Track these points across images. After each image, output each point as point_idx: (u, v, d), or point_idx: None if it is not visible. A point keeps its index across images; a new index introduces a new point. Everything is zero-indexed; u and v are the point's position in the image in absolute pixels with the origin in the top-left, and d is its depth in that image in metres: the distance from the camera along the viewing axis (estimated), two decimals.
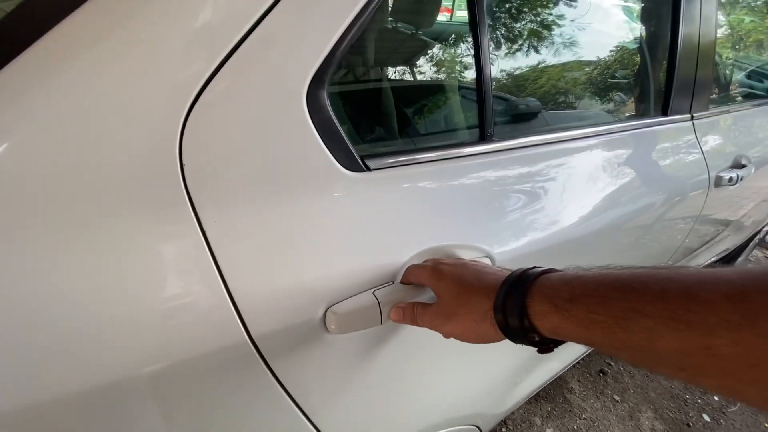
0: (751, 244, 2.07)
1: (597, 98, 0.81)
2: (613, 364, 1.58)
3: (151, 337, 0.32)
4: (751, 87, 1.45)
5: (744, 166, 0.98)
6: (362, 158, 0.43)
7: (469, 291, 0.36)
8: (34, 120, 0.29)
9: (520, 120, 0.66)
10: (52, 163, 0.29)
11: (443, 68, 0.69)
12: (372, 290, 0.42)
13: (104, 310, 0.30)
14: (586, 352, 1.19)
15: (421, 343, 0.51)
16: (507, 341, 0.35)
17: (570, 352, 1.02)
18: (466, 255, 0.48)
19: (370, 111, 0.56)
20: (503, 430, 1.31)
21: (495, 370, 0.72)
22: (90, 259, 0.30)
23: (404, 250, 0.44)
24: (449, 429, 0.66)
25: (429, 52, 0.67)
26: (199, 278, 0.33)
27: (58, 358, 0.29)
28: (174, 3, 0.32)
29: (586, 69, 0.78)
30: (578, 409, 1.40)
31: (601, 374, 1.54)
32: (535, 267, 0.35)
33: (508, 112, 0.64)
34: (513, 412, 1.36)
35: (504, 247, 0.53)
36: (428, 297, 0.43)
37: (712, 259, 1.59)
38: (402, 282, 0.43)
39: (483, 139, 0.54)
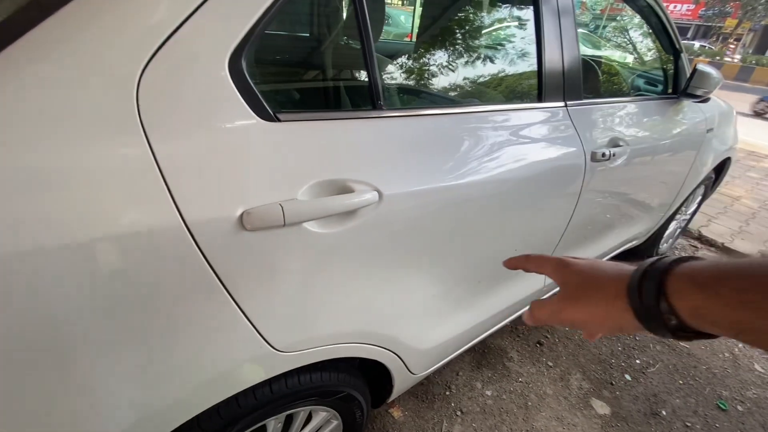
0: (673, 232, 2.33)
1: (484, 82, 1.02)
2: (549, 336, 1.76)
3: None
4: (638, 86, 1.75)
5: (619, 146, 1.21)
6: (274, 112, 0.61)
7: (601, 273, 0.35)
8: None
9: (411, 94, 0.85)
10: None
11: (341, 49, 0.89)
12: (278, 202, 0.58)
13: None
14: (512, 317, 1.37)
15: (331, 249, 0.67)
16: None
17: (491, 306, 1.19)
18: (356, 187, 0.66)
19: (283, 76, 0.75)
20: (447, 393, 1.45)
21: (412, 296, 0.88)
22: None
23: (301, 178, 0.61)
24: (365, 343, 0.81)
25: (333, 41, 0.87)
26: (149, 182, 0.50)
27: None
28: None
29: (471, 58, 1.00)
30: (515, 374, 1.56)
31: (538, 345, 1.71)
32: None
33: (405, 89, 0.84)
34: (456, 376, 1.51)
35: (393, 187, 0.71)
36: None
37: (626, 245, 1.81)
38: (508, 266, 0.45)
39: (374, 106, 0.73)
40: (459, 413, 1.39)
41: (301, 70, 0.77)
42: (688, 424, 1.43)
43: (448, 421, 1.36)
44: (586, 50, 1.63)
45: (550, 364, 1.62)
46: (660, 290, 0.30)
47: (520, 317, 1.44)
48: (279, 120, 0.61)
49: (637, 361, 1.68)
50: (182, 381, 0.60)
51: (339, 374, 0.86)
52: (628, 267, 0.34)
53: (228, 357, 0.63)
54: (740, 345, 1.82)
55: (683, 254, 0.33)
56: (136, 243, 0.50)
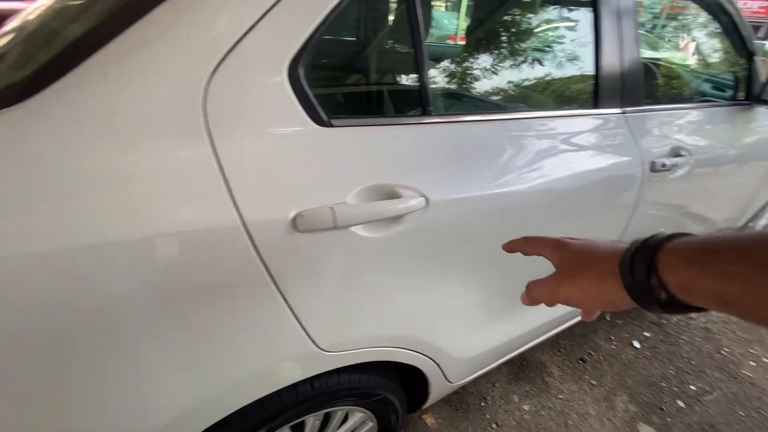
0: None
1: (535, 87, 0.99)
2: (593, 353, 1.68)
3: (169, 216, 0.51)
4: (703, 91, 1.63)
5: (681, 155, 1.13)
6: (327, 117, 0.62)
7: (594, 252, 0.36)
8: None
9: (459, 99, 0.85)
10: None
11: (393, 60, 0.89)
12: (329, 205, 0.60)
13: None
14: (557, 330, 1.31)
15: (377, 253, 0.67)
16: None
17: (532, 319, 1.15)
18: (403, 192, 0.66)
19: (336, 82, 0.76)
20: (481, 404, 1.42)
21: (454, 303, 0.87)
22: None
23: (352, 183, 0.62)
24: (405, 348, 0.81)
25: (385, 47, 0.87)
26: (210, 183, 0.53)
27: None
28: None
29: (528, 64, 0.98)
30: (555, 390, 1.50)
31: (580, 361, 1.63)
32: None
33: (453, 94, 0.83)
34: (492, 388, 1.48)
35: (439, 194, 0.70)
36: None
37: None
38: (507, 249, 0.47)
39: (424, 112, 0.73)
40: (494, 425, 1.35)
41: (352, 76, 0.79)
42: None
43: None
44: (645, 52, 1.53)
45: (594, 382, 1.55)
46: (651, 266, 0.30)
47: (563, 331, 1.39)
48: (332, 125, 0.63)
49: (692, 387, 1.56)
50: (232, 373, 0.63)
51: (377, 377, 0.86)
52: (622, 245, 0.34)
53: (275, 353, 0.65)
54: None
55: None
56: (198, 240, 0.53)
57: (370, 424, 0.98)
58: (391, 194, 0.66)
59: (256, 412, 0.71)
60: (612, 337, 1.77)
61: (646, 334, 1.81)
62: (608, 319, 1.87)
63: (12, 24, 0.89)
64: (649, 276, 0.30)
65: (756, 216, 1.91)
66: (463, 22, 1.79)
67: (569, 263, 0.38)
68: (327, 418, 0.89)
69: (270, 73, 0.57)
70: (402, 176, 0.67)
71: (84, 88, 0.49)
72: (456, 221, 0.75)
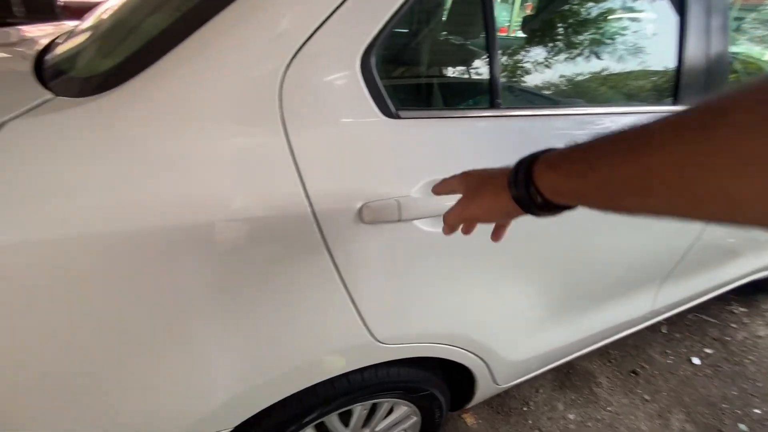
0: None
1: (609, 80, 0.93)
2: (646, 366, 1.58)
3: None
4: None
5: None
6: (395, 109, 0.62)
7: (490, 174, 0.44)
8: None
9: (527, 92, 0.81)
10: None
11: (461, 52, 0.87)
12: (395, 198, 0.59)
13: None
14: (608, 340, 1.25)
15: (438, 249, 0.66)
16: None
17: (586, 327, 1.10)
18: None
19: (405, 74, 0.75)
20: (524, 409, 1.38)
21: (510, 305, 0.84)
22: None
23: (417, 175, 0.61)
24: (457, 346, 0.79)
25: (453, 39, 0.85)
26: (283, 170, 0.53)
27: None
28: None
29: (607, 60, 0.92)
30: (604, 401, 1.43)
31: (632, 374, 1.55)
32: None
33: (521, 87, 0.80)
34: (536, 393, 1.43)
35: None
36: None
37: (756, 274, 1.55)
38: (435, 193, 0.52)
39: (492, 105, 0.70)
40: (537, 431, 1.32)
41: (421, 68, 0.77)
42: None
43: None
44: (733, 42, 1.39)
45: (647, 397, 1.46)
46: (528, 176, 0.37)
47: (614, 342, 1.31)
48: (400, 117, 0.62)
49: (757, 411, 1.44)
50: (291, 358, 0.64)
51: (426, 372, 0.86)
52: (511, 166, 0.41)
53: (334, 341, 0.66)
54: None
55: None
56: (268, 226, 0.54)
57: (414, 419, 0.98)
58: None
59: (309, 397, 0.72)
60: (668, 351, 1.66)
61: (708, 350, 1.68)
62: (664, 331, 1.76)
63: (96, 15, 0.95)
64: (527, 184, 0.37)
65: None
66: (522, 13, 1.72)
67: (471, 187, 0.46)
68: (374, 409, 0.90)
69: (343, 65, 0.57)
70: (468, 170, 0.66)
71: (169, 77, 0.51)
72: (520, 221, 0.72)
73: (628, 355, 1.63)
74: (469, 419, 1.34)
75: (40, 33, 1.05)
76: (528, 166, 0.38)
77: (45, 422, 0.53)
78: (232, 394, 0.62)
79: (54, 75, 0.65)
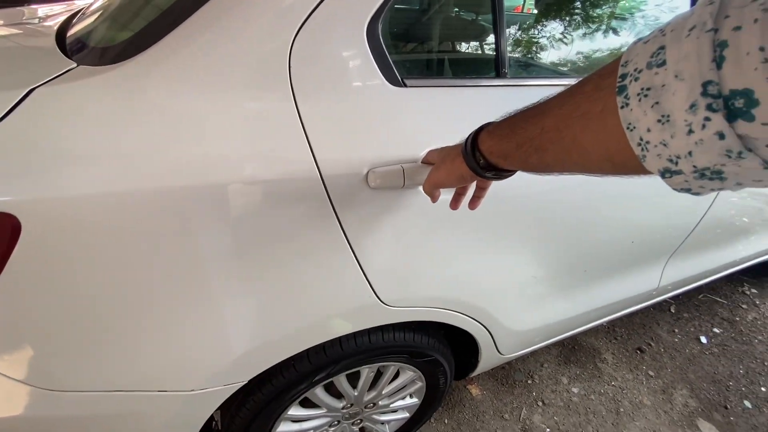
0: None
1: (611, 52, 0.93)
2: (652, 344, 1.60)
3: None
4: None
5: None
6: (401, 77, 0.63)
7: (451, 147, 0.54)
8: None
9: (534, 64, 0.81)
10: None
11: (469, 20, 0.87)
12: (400, 165, 0.61)
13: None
14: (613, 316, 1.26)
15: (443, 216, 0.68)
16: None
17: (591, 301, 1.11)
18: None
19: (412, 43, 0.76)
20: (528, 382, 1.42)
21: (515, 274, 0.86)
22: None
23: (422, 143, 0.63)
24: (460, 312, 0.82)
25: (460, 9, 0.85)
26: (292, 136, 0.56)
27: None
28: None
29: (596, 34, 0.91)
30: (608, 377, 1.46)
31: (638, 351, 1.56)
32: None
33: (526, 57, 0.80)
34: (540, 367, 1.46)
35: None
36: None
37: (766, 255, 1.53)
38: (422, 162, 0.62)
39: (498, 75, 0.71)
40: (540, 403, 1.35)
41: (428, 37, 0.78)
42: None
43: (528, 409, 1.33)
44: None
45: (651, 373, 1.48)
46: (474, 142, 0.47)
47: (621, 319, 1.33)
48: (406, 85, 0.63)
49: (763, 389, 1.45)
50: (299, 317, 0.68)
51: (431, 338, 0.89)
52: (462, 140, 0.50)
53: (340, 301, 0.69)
54: None
55: None
56: (278, 188, 0.57)
57: (419, 384, 1.02)
58: None
59: (318, 356, 0.77)
60: (675, 330, 1.67)
61: (716, 330, 1.69)
62: (673, 311, 1.76)
63: None
64: (474, 149, 0.46)
65: None
66: None
67: (437, 158, 0.56)
68: (380, 372, 0.94)
69: (349, 34, 0.59)
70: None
71: (184, 45, 0.53)
72: (526, 190, 0.74)
73: (634, 332, 1.64)
74: (474, 390, 1.38)
75: (56, 11, 1.08)
76: (475, 134, 0.47)
77: (76, 366, 0.58)
78: (247, 348, 0.66)
79: (76, 47, 0.68)
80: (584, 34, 0.94)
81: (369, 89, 0.61)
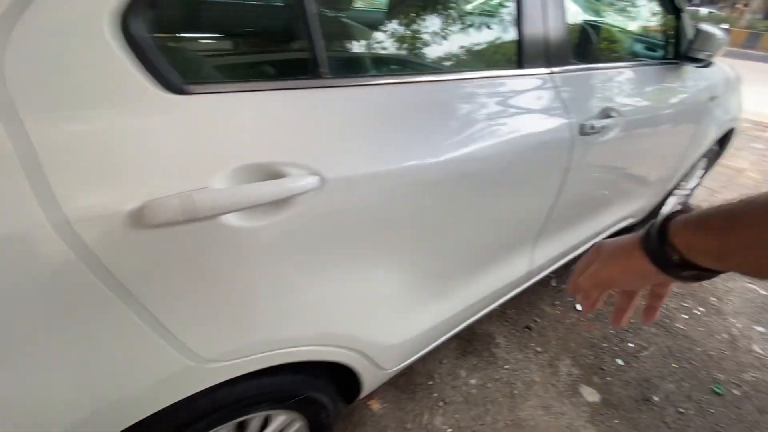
0: (673, 209, 2.23)
1: (450, 44, 0.91)
2: (538, 320, 1.69)
3: None
4: (635, 51, 1.61)
5: (611, 117, 1.09)
6: (180, 82, 0.50)
7: (622, 239, 0.44)
8: None
9: (365, 61, 0.74)
10: None
11: (275, 6, 0.76)
12: (187, 191, 0.49)
13: None
14: (499, 302, 1.28)
15: (262, 245, 0.57)
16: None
17: (470, 295, 1.11)
18: (289, 171, 0.56)
19: (194, 39, 0.63)
20: (429, 383, 1.39)
21: (373, 292, 0.79)
22: None
23: (219, 162, 0.51)
24: (318, 345, 0.73)
25: None
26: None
27: None
28: None
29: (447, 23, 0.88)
30: (502, 360, 1.50)
31: (527, 329, 1.64)
32: None
33: (356, 55, 0.73)
34: (440, 365, 1.45)
35: (337, 170, 0.61)
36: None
37: (621, 223, 1.71)
38: (572, 292, 0.50)
39: (313, 76, 0.62)
40: (441, 404, 1.33)
41: (218, 30, 0.65)
42: (681, 410, 1.37)
43: (429, 413, 1.30)
44: (575, 11, 1.46)
45: (539, 349, 1.56)
46: (663, 233, 0.38)
47: (510, 301, 1.36)
48: (188, 92, 0.51)
49: (630, 345, 1.61)
50: (94, 400, 0.52)
51: (295, 376, 0.78)
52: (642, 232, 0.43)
53: (149, 369, 0.54)
54: (739, 325, 1.75)
55: None
56: (13, 246, 0.40)
57: (298, 424, 0.91)
58: (274, 174, 0.56)
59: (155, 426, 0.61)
60: (557, 302, 1.79)
61: None
62: (554, 284, 1.89)
63: None
64: (661, 240, 0.38)
65: (687, 175, 1.97)
66: None
67: (605, 253, 0.46)
68: (243, 426, 0.81)
69: (90, 31, 0.44)
70: (287, 152, 0.57)
71: None
72: (362, 202, 0.66)
73: (522, 311, 1.72)
74: (375, 405, 1.31)
75: None
76: (661, 224, 0.39)
77: None
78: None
79: None
80: (424, 22, 0.90)
81: (132, 101, 0.47)
